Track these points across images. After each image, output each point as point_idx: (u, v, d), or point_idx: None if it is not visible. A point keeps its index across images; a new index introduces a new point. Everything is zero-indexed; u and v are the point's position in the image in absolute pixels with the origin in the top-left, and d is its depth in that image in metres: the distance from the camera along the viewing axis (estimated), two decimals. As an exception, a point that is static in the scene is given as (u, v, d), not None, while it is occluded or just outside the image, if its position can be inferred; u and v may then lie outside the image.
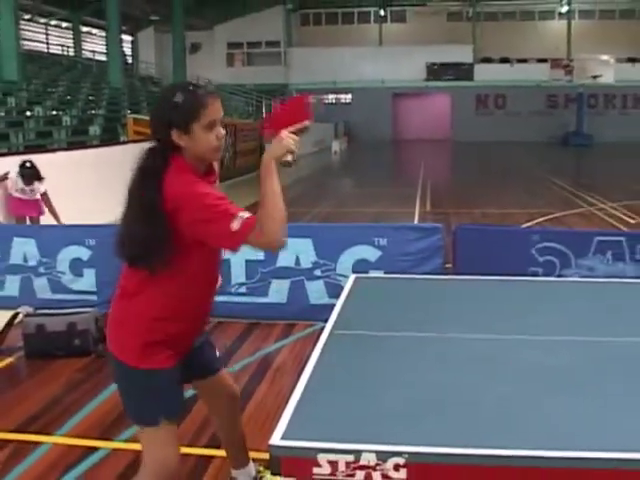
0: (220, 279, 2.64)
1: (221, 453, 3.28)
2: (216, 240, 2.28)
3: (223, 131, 2.38)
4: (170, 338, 2.42)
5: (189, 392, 4.09)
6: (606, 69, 36.54)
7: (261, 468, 3.08)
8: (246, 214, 2.21)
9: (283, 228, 2.25)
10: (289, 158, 2.31)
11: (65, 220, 8.05)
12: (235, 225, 2.18)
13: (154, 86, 27.90)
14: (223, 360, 2.89)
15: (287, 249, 5.72)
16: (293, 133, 2.34)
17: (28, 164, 8.46)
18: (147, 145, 2.41)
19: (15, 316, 5.24)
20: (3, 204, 8.63)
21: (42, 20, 31.78)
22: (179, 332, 2.45)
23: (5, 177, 8.56)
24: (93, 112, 17.44)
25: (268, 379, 4.57)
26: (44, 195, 8.50)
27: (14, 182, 8.46)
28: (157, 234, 2.26)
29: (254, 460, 3.12)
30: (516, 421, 2.42)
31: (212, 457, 3.43)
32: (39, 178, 8.46)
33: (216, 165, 2.56)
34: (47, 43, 32.09)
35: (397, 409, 2.53)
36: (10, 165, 8.79)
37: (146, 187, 2.30)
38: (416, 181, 17.39)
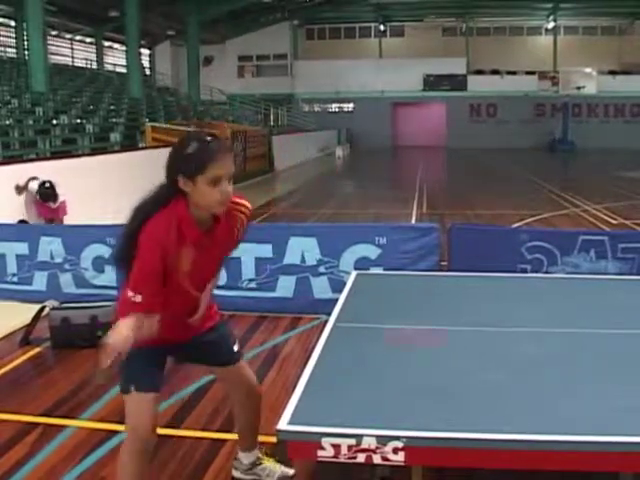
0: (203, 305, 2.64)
1: (232, 437, 3.28)
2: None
3: (230, 188, 2.33)
4: None
5: (201, 381, 4.11)
6: (589, 81, 36.51)
7: (261, 454, 3.06)
8: (137, 299, 2.30)
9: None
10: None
11: (88, 220, 8.05)
12: (130, 295, 2.31)
13: (170, 96, 27.91)
14: (241, 355, 2.88)
15: (294, 247, 5.74)
16: None
17: (47, 184, 8.42)
18: (160, 183, 2.43)
19: (42, 309, 5.25)
20: (30, 207, 8.62)
21: (68, 36, 31.79)
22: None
23: (25, 187, 8.53)
24: (114, 120, 17.43)
25: (276, 367, 4.56)
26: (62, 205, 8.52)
27: (33, 195, 8.47)
28: (129, 260, 2.36)
29: (262, 443, 3.12)
30: (506, 407, 2.41)
31: (224, 441, 3.42)
32: (55, 199, 8.43)
33: (240, 219, 2.54)
34: (72, 57, 32.10)
35: (396, 396, 2.53)
36: (35, 171, 8.80)
37: (135, 220, 2.37)
38: (413, 184, 17.34)
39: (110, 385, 4.20)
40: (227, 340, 2.80)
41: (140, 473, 2.54)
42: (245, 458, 3.04)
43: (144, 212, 2.35)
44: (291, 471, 3.06)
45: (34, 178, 8.59)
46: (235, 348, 2.82)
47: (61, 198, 8.60)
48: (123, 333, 2.23)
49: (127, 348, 2.25)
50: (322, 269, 5.72)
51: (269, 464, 3.05)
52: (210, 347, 2.72)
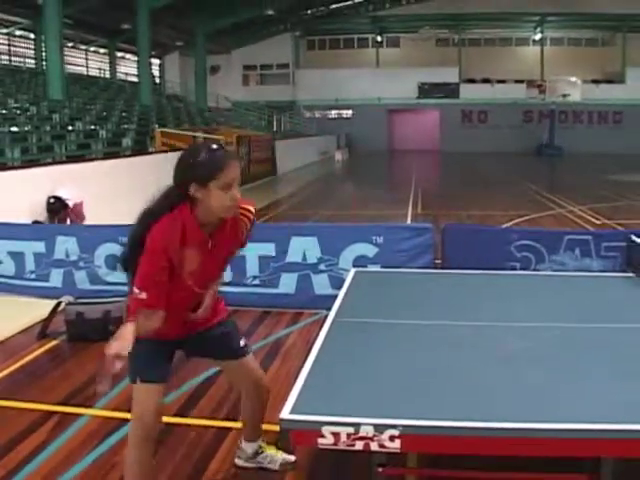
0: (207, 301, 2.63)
1: (237, 425, 3.27)
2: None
3: (238, 194, 2.36)
4: None
5: (209, 372, 4.11)
6: (574, 89, 36.42)
7: (263, 444, 3.06)
8: (143, 296, 2.32)
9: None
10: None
11: (101, 220, 8.02)
12: (136, 293, 2.33)
13: (179, 103, 27.91)
14: (248, 349, 2.86)
15: (295, 246, 5.73)
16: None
17: (52, 200, 8.29)
18: (164, 189, 2.43)
19: (58, 305, 5.25)
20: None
21: (83, 47, 31.78)
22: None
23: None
24: (126, 126, 17.43)
25: (279, 360, 4.56)
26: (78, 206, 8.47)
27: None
28: (135, 261, 2.38)
29: (266, 432, 3.12)
30: (498, 397, 2.41)
31: (229, 429, 3.42)
32: (65, 209, 8.34)
33: (242, 225, 2.55)
34: (87, 67, 32.13)
35: (392, 387, 2.52)
36: (52, 174, 8.78)
37: (142, 224, 2.40)
38: (409, 186, 17.33)
39: (122, 376, 4.20)
40: (234, 335, 2.79)
41: (144, 459, 2.55)
42: (247, 447, 3.03)
43: (151, 217, 2.37)
44: (292, 458, 3.05)
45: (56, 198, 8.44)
46: (242, 343, 2.80)
47: (78, 200, 8.57)
48: (127, 339, 2.26)
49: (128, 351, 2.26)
50: (322, 267, 5.71)
51: (270, 452, 3.05)
52: (217, 341, 2.72)
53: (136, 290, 2.33)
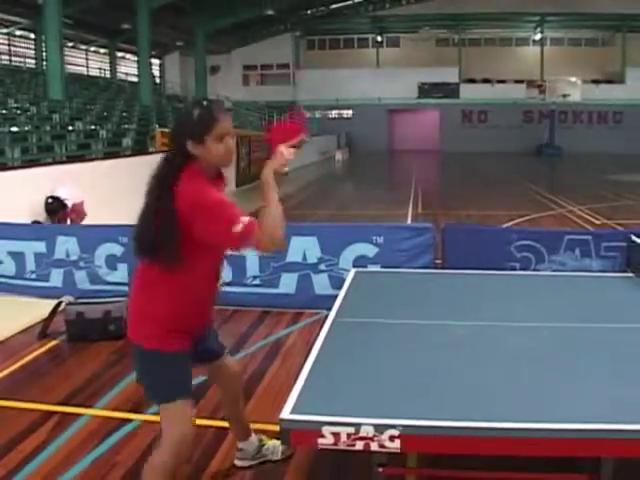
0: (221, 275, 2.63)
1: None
2: (221, 240, 2.29)
3: (232, 143, 2.39)
4: (184, 325, 2.43)
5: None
6: (574, 89, 36.44)
7: (263, 437, 3.08)
8: (247, 219, 2.23)
9: (283, 232, 2.34)
10: (284, 170, 2.41)
11: (101, 220, 8.02)
12: (237, 229, 2.20)
13: (179, 103, 27.89)
14: (224, 345, 2.88)
15: (295, 246, 5.73)
16: (291, 146, 2.39)
17: (50, 200, 8.26)
18: (163, 155, 2.40)
19: (58, 304, 5.25)
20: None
21: (83, 47, 31.80)
22: (191, 320, 2.47)
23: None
24: (126, 126, 17.40)
25: (279, 360, 4.56)
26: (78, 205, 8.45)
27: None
28: (166, 233, 2.26)
29: (266, 432, 3.12)
30: (498, 397, 2.41)
31: (228, 429, 3.42)
32: (63, 209, 8.32)
33: (226, 172, 2.56)
34: (87, 67, 32.14)
35: (392, 387, 2.52)
36: (52, 173, 8.77)
37: (159, 192, 2.30)
38: (409, 186, 17.32)
39: (122, 376, 4.21)
40: (216, 334, 2.83)
41: (173, 471, 2.47)
42: (248, 446, 3.04)
43: (164, 184, 2.30)
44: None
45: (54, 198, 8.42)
46: (219, 340, 2.85)
47: (77, 199, 8.56)
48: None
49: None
50: (322, 267, 5.71)
51: (271, 443, 3.08)
52: (208, 342, 2.72)
53: (235, 228, 2.18)
